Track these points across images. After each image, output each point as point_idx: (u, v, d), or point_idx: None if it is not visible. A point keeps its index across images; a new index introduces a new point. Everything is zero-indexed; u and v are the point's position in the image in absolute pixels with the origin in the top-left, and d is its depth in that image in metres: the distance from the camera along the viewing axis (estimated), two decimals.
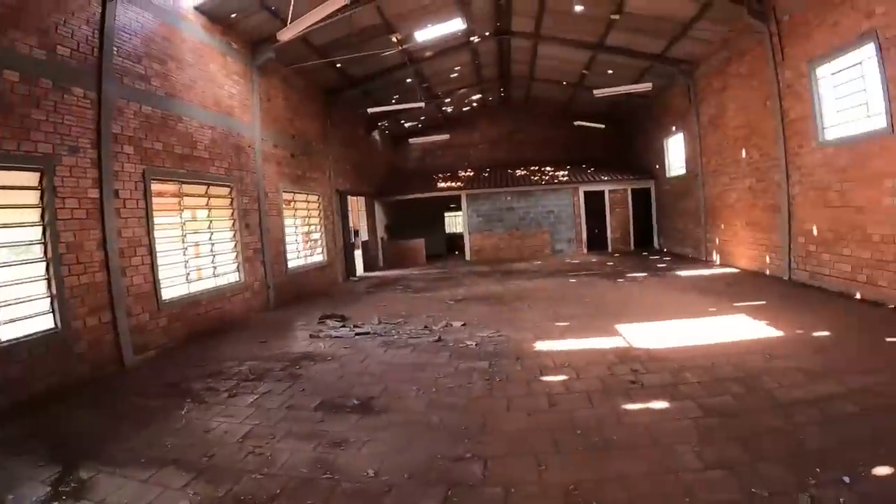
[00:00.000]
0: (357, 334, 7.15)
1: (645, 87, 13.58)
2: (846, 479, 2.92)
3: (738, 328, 6.47)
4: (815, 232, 8.76)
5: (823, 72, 8.22)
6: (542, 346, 6.17)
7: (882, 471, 2.99)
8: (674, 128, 15.90)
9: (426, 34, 11.85)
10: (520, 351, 5.99)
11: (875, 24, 6.79)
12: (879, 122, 7.03)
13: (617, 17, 11.56)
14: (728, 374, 4.81)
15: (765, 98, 9.99)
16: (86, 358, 5.78)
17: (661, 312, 7.60)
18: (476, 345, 6.31)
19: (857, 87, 7.49)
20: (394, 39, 11.79)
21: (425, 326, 7.47)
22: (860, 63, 7.34)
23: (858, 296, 7.65)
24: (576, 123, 20.13)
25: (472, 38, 13.57)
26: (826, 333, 5.92)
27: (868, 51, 7.05)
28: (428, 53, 13.60)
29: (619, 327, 6.84)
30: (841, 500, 2.76)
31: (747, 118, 10.98)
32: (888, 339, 5.50)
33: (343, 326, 7.75)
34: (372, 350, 6.35)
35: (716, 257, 13.43)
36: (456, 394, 4.67)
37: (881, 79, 6.82)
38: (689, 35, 11.71)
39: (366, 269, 16.61)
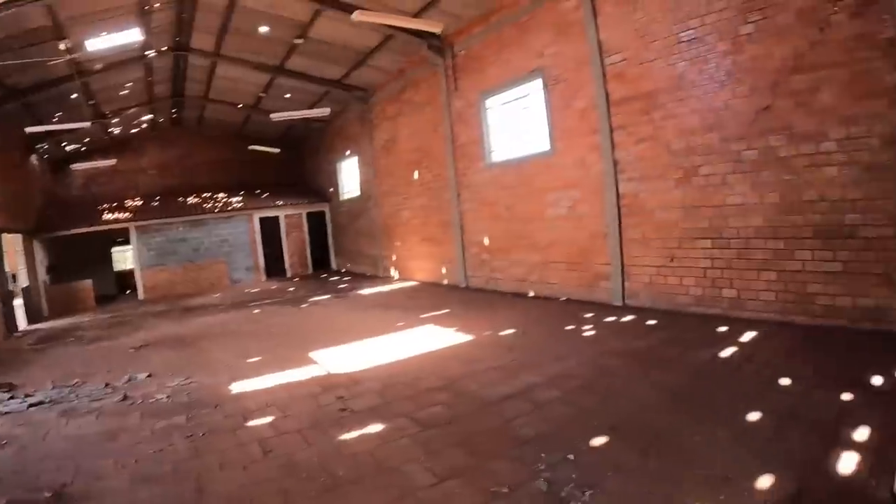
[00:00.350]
0: (30, 406, 6.40)
1: (323, 112, 14.19)
2: (571, 457, 3.28)
3: (430, 338, 7.10)
4: (486, 242, 10.41)
5: (493, 102, 9.98)
6: (238, 387, 6.03)
7: (598, 441, 3.49)
8: (348, 151, 17.12)
9: (99, 43, 10.79)
10: (217, 397, 5.76)
11: (543, 63, 8.60)
12: (543, 145, 8.86)
13: (301, 41, 12.03)
14: (432, 384, 5.13)
15: (437, 124, 11.53)
16: None
17: (351, 334, 7.91)
18: (168, 397, 6.00)
19: (524, 115, 9.30)
20: (62, 47, 10.44)
21: (107, 384, 6.91)
22: (527, 95, 9.16)
23: (532, 294, 9.33)
24: (250, 148, 20.68)
25: (147, 53, 12.91)
26: (512, 331, 6.95)
27: (536, 85, 8.87)
28: (98, 66, 12.53)
29: (313, 355, 6.91)
30: (573, 475, 3.06)
31: (420, 142, 12.47)
32: (566, 328, 6.78)
33: (12, 398, 6.85)
34: (52, 423, 5.60)
35: (394, 273, 14.73)
36: (160, 460, 4.28)
37: (546, 109, 8.64)
38: (368, 63, 12.87)
39: (30, 320, 14.77)
